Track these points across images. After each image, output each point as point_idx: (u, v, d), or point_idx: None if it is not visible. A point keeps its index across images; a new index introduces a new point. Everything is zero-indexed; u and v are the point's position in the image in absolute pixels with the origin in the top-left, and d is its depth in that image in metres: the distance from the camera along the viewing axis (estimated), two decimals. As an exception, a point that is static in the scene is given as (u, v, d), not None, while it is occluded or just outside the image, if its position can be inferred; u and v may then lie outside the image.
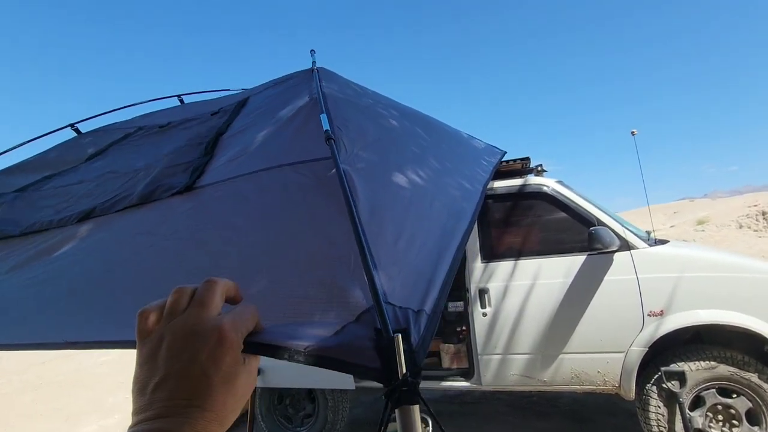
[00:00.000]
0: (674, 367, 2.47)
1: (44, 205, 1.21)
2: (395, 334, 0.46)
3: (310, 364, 0.45)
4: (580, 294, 2.64)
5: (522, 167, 3.16)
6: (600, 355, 2.59)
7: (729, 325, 2.39)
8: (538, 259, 2.80)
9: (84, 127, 1.84)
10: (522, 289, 2.75)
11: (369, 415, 3.95)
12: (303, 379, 3.17)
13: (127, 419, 4.14)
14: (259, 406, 3.38)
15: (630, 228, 2.77)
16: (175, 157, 1.18)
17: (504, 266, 2.84)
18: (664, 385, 2.46)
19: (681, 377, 2.43)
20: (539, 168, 3.14)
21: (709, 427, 2.44)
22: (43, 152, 1.70)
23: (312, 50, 1.56)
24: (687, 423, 2.39)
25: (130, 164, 1.29)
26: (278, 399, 3.44)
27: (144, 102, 1.98)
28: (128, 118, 1.89)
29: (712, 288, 2.46)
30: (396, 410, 0.46)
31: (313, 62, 1.63)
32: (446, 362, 3.05)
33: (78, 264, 0.90)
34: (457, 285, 3.52)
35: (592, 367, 2.62)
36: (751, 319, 2.35)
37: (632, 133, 2.85)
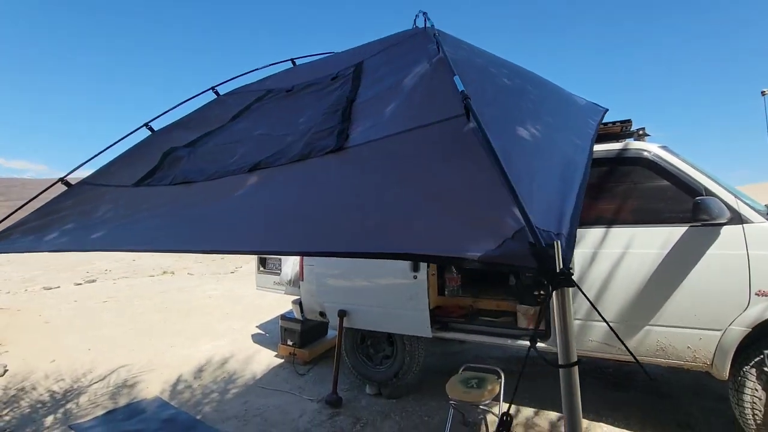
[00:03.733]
0: (781, 351, 2.30)
1: (215, 159, 1.52)
2: (556, 239, 0.59)
3: (483, 268, 0.61)
4: (676, 266, 2.51)
5: (621, 130, 2.97)
6: (693, 330, 2.49)
7: None
8: (632, 228, 2.69)
9: (220, 90, 2.17)
10: (611, 257, 2.69)
11: (440, 364, 4.21)
12: (385, 324, 3.48)
13: (234, 342, 4.86)
14: (345, 343, 3.78)
15: (745, 200, 2.52)
16: (321, 122, 1.39)
17: (593, 233, 2.77)
18: (765, 369, 2.31)
19: (788, 362, 2.26)
20: (641, 132, 2.94)
21: (816, 416, 2.27)
22: (195, 111, 2.05)
23: (423, 12, 1.63)
24: (789, 409, 2.25)
25: (276, 129, 1.54)
26: (360, 339, 3.82)
27: (266, 66, 2.29)
28: (254, 81, 2.19)
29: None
30: (554, 292, 0.63)
31: (432, 25, 1.71)
32: (522, 323, 3.13)
33: (257, 198, 1.16)
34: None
35: (682, 341, 2.53)
36: None
37: (762, 93, 2.51)
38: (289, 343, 4.56)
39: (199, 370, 4.50)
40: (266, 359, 4.69)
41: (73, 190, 1.69)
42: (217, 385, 4.14)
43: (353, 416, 3.37)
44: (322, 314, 4.01)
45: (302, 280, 4.06)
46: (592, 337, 2.76)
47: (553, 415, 3.14)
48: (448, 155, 0.89)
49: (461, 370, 3.12)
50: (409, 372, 3.53)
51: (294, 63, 2.31)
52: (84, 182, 1.72)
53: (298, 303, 4.21)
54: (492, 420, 3.14)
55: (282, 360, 4.61)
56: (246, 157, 1.40)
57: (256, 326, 5.79)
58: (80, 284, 10.58)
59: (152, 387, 4.12)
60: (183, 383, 4.23)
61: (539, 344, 2.99)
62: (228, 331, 5.59)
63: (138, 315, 6.59)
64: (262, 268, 4.79)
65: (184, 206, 1.31)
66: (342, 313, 3.63)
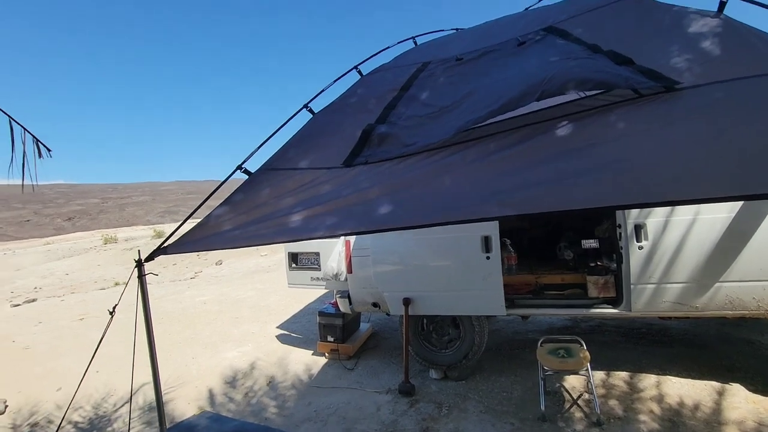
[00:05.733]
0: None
1: (446, 122, 1.44)
2: None
3: None
4: (743, 228, 2.82)
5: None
6: (758, 283, 2.82)
7: None
8: (695, 196, 2.96)
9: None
10: (682, 224, 2.94)
11: (500, 339, 4.31)
12: (456, 307, 3.49)
13: (260, 346, 4.52)
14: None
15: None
16: (587, 63, 1.39)
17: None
18: (820, 309, 2.71)
19: (839, 302, 2.67)
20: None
21: None
22: (348, 91, 1.90)
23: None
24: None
25: (495, 80, 1.50)
26: (421, 326, 3.81)
27: (393, 45, 2.21)
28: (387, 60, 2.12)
29: None
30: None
31: None
32: (593, 292, 3.32)
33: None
34: (589, 227, 3.73)
35: (748, 293, 2.85)
36: None
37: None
38: (330, 339, 4.40)
39: (234, 379, 4.19)
40: (303, 359, 4.49)
41: (258, 179, 1.51)
42: (264, 392, 3.89)
43: (433, 402, 3.36)
44: (375, 305, 3.92)
45: (350, 273, 3.93)
46: (665, 298, 3.02)
47: (624, 374, 3.39)
48: None
49: (540, 343, 3.24)
50: (478, 352, 3.60)
51: (415, 42, 2.25)
52: (267, 169, 1.53)
53: (346, 296, 4.07)
54: (570, 386, 3.33)
55: (322, 357, 4.44)
56: (491, 104, 1.38)
57: (276, 327, 5.49)
58: (18, 305, 9.26)
59: (190, 402, 3.77)
60: (222, 394, 3.92)
61: (611, 310, 3.21)
62: (248, 336, 5.24)
63: (132, 329, 5.89)
64: (294, 265, 4.54)
65: (492, 165, 1.26)
66: (407, 301, 3.58)
